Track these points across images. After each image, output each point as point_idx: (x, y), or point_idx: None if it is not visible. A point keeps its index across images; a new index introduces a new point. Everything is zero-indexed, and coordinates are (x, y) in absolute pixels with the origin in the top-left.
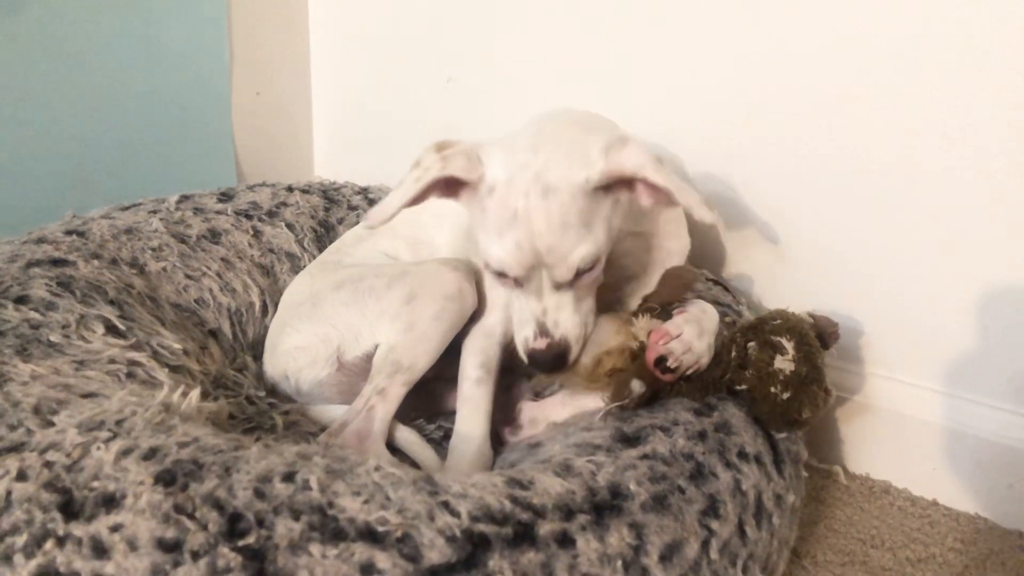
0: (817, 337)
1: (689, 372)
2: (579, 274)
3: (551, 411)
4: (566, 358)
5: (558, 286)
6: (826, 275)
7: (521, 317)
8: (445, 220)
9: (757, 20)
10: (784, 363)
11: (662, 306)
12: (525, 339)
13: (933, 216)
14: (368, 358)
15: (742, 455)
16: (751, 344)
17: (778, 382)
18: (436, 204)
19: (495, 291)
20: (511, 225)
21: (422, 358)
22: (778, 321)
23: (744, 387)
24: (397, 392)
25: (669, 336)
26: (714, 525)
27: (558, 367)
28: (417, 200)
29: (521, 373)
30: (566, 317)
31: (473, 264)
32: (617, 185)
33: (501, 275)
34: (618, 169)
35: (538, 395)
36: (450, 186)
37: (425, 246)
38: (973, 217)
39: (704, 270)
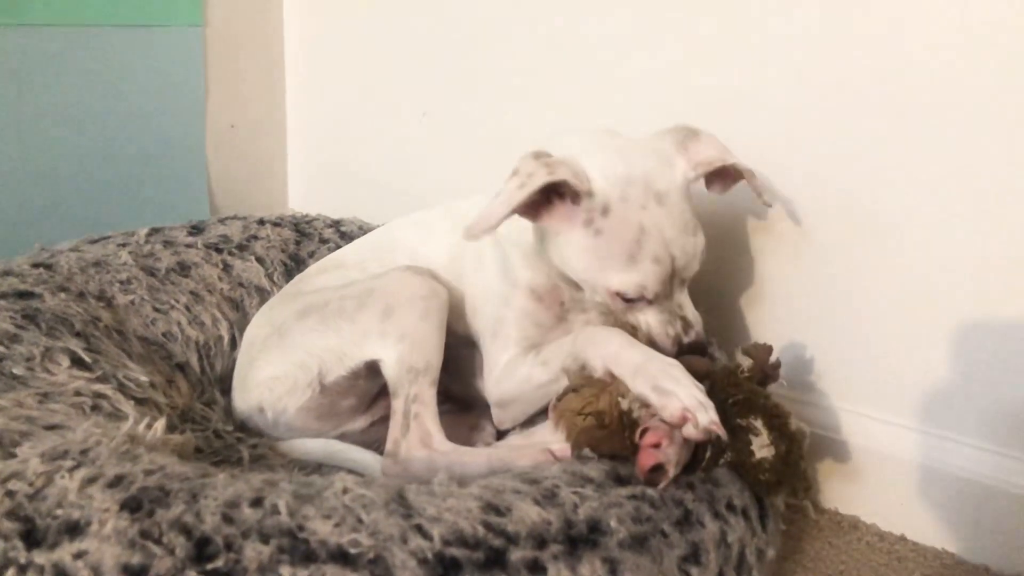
0: (762, 375)
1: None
2: None
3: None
4: (707, 345)
5: (682, 281)
6: (796, 309)
7: (657, 320)
8: (422, 262)
9: (715, 64)
10: (764, 450)
11: None
12: (674, 335)
13: (905, 251)
14: (354, 376)
15: (730, 507)
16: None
17: (765, 471)
18: (409, 248)
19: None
20: (642, 243)
21: (432, 356)
22: (730, 401)
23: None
24: (429, 393)
25: (669, 439)
26: (694, 572)
27: (703, 354)
28: (518, 209)
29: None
30: (695, 312)
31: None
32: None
33: (632, 299)
34: (706, 160)
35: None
36: (535, 203)
37: None
38: (946, 253)
39: None
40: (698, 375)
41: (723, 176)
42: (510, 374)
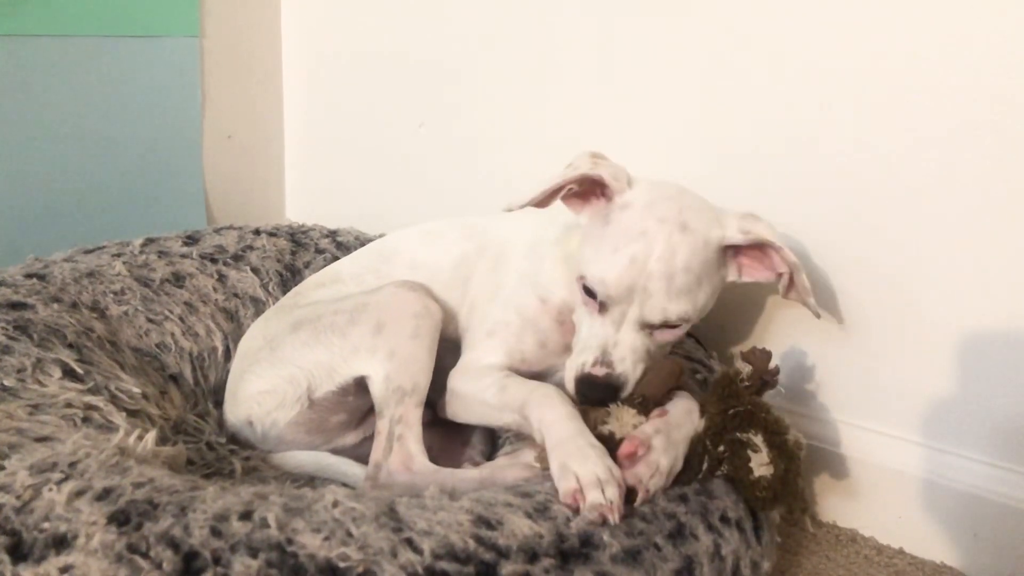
0: (760, 382)
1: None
2: (664, 324)
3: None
4: (618, 392)
5: (642, 326)
6: (795, 321)
7: (585, 344)
8: (422, 269)
9: (715, 107)
10: (763, 468)
11: (645, 398)
12: (581, 364)
13: (906, 265)
14: (344, 392)
15: (724, 519)
16: (720, 449)
17: (763, 488)
18: (409, 257)
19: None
20: (632, 241)
21: (420, 376)
22: (731, 412)
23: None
24: (415, 414)
25: (645, 447)
26: None
27: (607, 398)
28: (556, 193)
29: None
30: (633, 357)
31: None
32: (736, 255)
33: (590, 294)
34: (756, 233)
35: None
36: (581, 195)
37: None
38: (947, 267)
39: None
40: (672, 375)
41: (762, 263)
42: (478, 376)
